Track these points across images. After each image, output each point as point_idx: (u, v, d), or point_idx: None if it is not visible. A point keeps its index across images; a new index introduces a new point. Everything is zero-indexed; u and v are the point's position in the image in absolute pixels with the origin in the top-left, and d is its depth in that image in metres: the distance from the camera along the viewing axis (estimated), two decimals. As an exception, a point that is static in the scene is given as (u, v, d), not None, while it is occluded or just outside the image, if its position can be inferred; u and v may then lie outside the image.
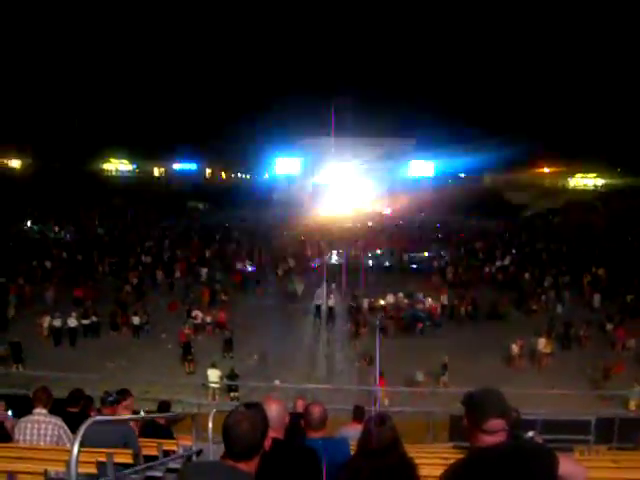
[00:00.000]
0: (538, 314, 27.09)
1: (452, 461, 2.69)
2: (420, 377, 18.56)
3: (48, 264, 33.20)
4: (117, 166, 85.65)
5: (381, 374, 17.19)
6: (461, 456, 2.73)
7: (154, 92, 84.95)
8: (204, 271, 31.50)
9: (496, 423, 2.48)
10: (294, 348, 22.44)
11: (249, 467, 2.24)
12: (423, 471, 3.10)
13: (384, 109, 76.44)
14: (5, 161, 62.43)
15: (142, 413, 8.91)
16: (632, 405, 15.77)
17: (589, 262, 37.46)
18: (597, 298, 29.04)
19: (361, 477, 2.91)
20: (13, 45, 69.09)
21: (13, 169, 62.13)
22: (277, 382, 16.68)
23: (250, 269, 33.94)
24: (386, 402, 16.38)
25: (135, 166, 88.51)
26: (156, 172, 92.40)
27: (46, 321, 22.44)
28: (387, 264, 39.60)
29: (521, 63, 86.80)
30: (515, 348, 21.11)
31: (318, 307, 26.83)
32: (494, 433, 2.49)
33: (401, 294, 27.79)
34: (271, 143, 77.28)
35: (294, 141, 76.80)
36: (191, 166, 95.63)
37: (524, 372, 20.04)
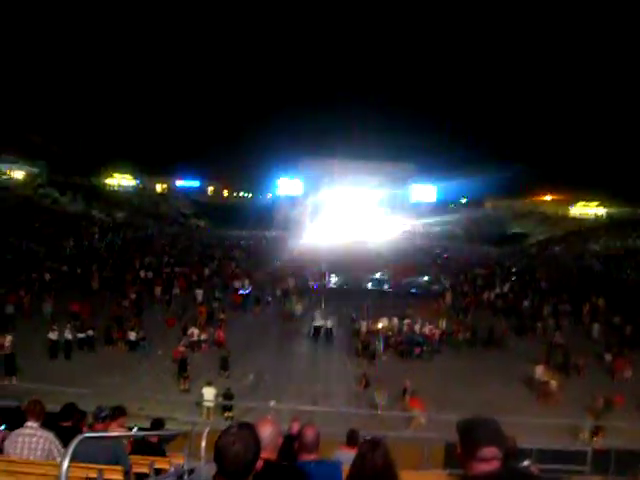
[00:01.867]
0: (537, 342, 27.00)
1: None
2: (379, 399, 18.30)
3: (47, 276, 33.21)
4: (120, 181, 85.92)
5: (413, 394, 17.76)
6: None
7: (159, 108, 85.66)
8: (199, 293, 31.28)
9: (490, 451, 2.46)
10: (291, 369, 22.32)
11: (240, 488, 2.22)
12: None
13: (386, 133, 77.11)
14: (8, 172, 62.55)
15: (135, 429, 8.84)
16: (581, 437, 15.55)
17: (588, 291, 37.46)
18: (596, 327, 28.96)
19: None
20: (18, 58, 69.72)
21: (16, 180, 62.22)
22: (272, 403, 16.56)
23: (247, 290, 33.78)
24: (422, 420, 16.23)
25: (138, 181, 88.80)
26: (159, 188, 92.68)
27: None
28: (386, 288, 39.59)
29: (524, 90, 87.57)
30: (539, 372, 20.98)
31: (317, 328, 26.77)
32: (488, 461, 2.47)
33: (398, 319, 27.73)
34: (273, 163, 77.90)
35: (296, 162, 77.30)
36: (194, 183, 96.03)
37: (520, 400, 19.88)
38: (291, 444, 3.75)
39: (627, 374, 22.46)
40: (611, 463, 10.69)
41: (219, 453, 2.23)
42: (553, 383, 20.44)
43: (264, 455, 2.49)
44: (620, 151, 70.95)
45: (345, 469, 3.42)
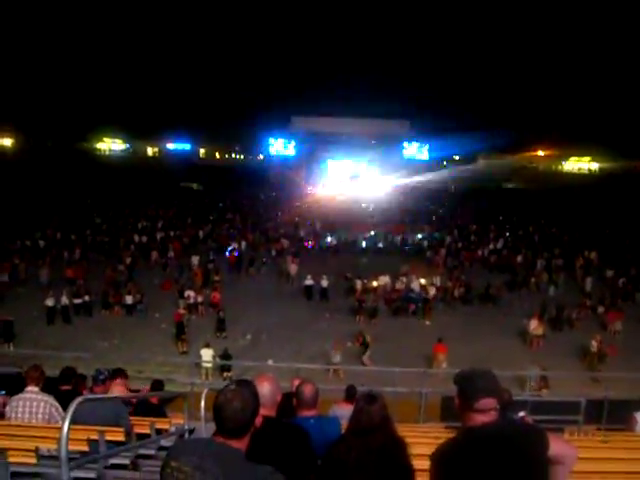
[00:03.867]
0: (531, 297, 27.24)
1: (443, 440, 2.70)
2: (336, 358, 18.57)
3: (42, 243, 33.12)
4: (110, 145, 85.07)
5: (440, 340, 19.04)
6: (452, 435, 2.74)
7: (149, 71, 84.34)
8: (195, 258, 31.13)
9: (487, 402, 2.49)
10: (287, 328, 22.50)
11: (240, 445, 2.23)
12: (414, 450, 3.11)
13: (379, 91, 76.22)
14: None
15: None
16: (528, 387, 15.79)
17: (581, 245, 37.66)
18: (589, 281, 29.19)
19: (351, 455, 2.92)
20: (6, 22, 68.22)
21: (4, 147, 61.52)
22: (270, 361, 16.73)
23: (241, 251, 33.81)
24: (444, 365, 17.92)
25: (128, 145, 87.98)
26: (150, 151, 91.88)
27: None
28: (380, 246, 39.65)
29: (516, 46, 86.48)
30: None
31: (311, 287, 26.90)
32: (485, 412, 2.49)
33: (393, 276, 27.88)
34: (265, 123, 77.01)
35: (288, 122, 76.41)
36: (185, 146, 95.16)
37: (515, 353, 20.14)
38: (290, 401, 3.78)
39: (618, 326, 22.74)
40: (604, 413, 10.90)
41: (218, 410, 2.24)
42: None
43: (263, 412, 2.51)
44: (611, 105, 70.49)
45: (344, 424, 3.46)
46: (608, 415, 10.73)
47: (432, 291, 26.25)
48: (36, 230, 35.95)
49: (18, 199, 43.06)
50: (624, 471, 3.95)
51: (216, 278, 28.08)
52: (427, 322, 24.17)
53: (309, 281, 27.10)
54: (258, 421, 2.35)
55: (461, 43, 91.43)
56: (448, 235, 42.72)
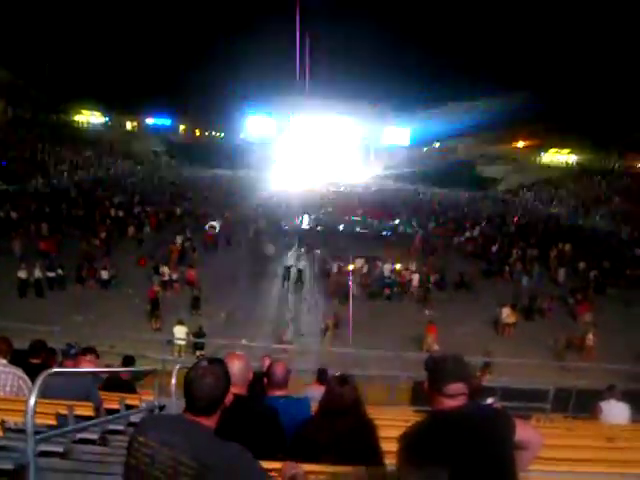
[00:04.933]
0: (504, 286, 27.55)
1: (412, 423, 2.72)
2: (288, 336, 18.80)
3: (14, 215, 32.60)
4: (89, 118, 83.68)
5: (431, 322, 19.71)
6: (421, 418, 2.76)
7: (129, 44, 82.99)
8: (180, 238, 30.49)
9: (456, 387, 2.51)
10: (262, 308, 22.52)
11: (209, 422, 2.23)
12: (383, 432, 3.13)
13: (361, 73, 75.90)
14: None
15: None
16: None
17: (556, 237, 38.14)
18: (562, 272, 29.61)
19: (321, 436, 2.93)
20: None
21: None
22: (244, 341, 16.74)
23: (218, 229, 33.70)
24: (435, 347, 18.18)
25: (108, 119, 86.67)
26: (129, 126, 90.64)
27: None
28: (358, 230, 39.78)
29: (499, 34, 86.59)
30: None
31: (288, 269, 26.90)
32: (454, 397, 2.52)
33: (369, 260, 27.99)
34: (246, 102, 76.38)
35: (269, 101, 75.87)
36: (165, 121, 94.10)
37: (487, 341, 20.38)
38: (260, 381, 3.78)
39: (588, 317, 23.10)
40: (571, 401, 11.11)
41: (188, 386, 2.23)
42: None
43: (234, 390, 2.50)
44: (592, 98, 71.05)
45: (314, 405, 3.47)
46: (575, 404, 10.93)
47: (415, 278, 26.31)
48: (9, 202, 35.37)
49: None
50: (588, 458, 4.03)
51: (193, 256, 27.96)
52: (427, 312, 23.13)
53: (290, 262, 27.08)
54: (228, 399, 2.34)
55: (445, 27, 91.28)
56: (425, 221, 43.02)
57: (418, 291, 25.59)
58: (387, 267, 27.08)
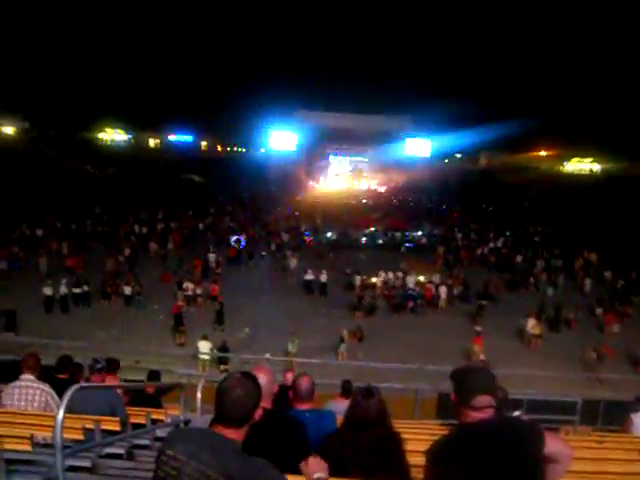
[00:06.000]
0: (529, 297, 27.23)
1: (438, 436, 2.70)
2: (291, 347, 18.78)
3: (39, 232, 33.07)
4: (112, 136, 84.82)
5: (478, 333, 19.64)
6: (447, 432, 2.73)
7: (152, 62, 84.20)
8: (212, 255, 30.19)
9: (483, 399, 2.48)
10: (286, 323, 22.52)
11: (237, 435, 2.23)
12: (409, 445, 3.11)
13: (382, 87, 76.09)
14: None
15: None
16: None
17: (581, 246, 37.67)
18: (588, 282, 29.18)
19: (347, 449, 2.91)
20: (9, 9, 68.01)
21: (7, 135, 61.27)
22: (268, 355, 16.73)
23: (242, 244, 33.85)
24: (480, 357, 18.23)
25: (130, 136, 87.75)
26: (151, 143, 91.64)
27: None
28: (380, 242, 39.68)
29: (521, 44, 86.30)
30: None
31: (310, 282, 26.90)
32: (481, 409, 2.49)
33: (392, 273, 27.88)
34: (267, 117, 76.80)
35: (290, 116, 76.23)
36: (187, 138, 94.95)
37: (514, 353, 20.15)
38: (285, 394, 3.77)
39: (616, 328, 22.74)
40: (599, 413, 10.91)
41: (220, 397, 2.24)
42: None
43: (261, 404, 2.50)
44: (614, 107, 70.35)
45: (339, 418, 3.45)
46: (604, 416, 10.73)
47: (443, 291, 26.15)
48: (36, 219, 35.89)
49: (19, 188, 42.93)
50: (619, 472, 3.95)
51: (217, 271, 28.10)
52: (478, 328, 20.95)
53: (309, 276, 27.10)
54: (258, 414, 2.34)
55: (464, 41, 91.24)
56: (448, 233, 42.78)
57: (446, 304, 25.47)
58: (411, 279, 26.93)
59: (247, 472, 2.11)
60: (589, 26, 78.66)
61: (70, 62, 72.88)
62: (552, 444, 2.44)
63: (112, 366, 6.77)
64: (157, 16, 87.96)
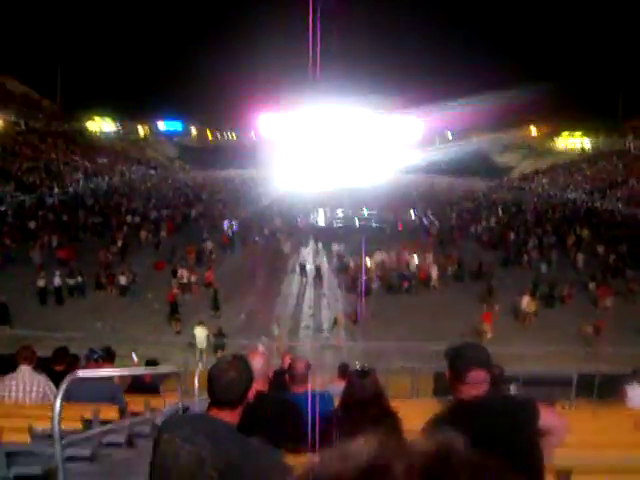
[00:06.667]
0: (523, 274, 27.31)
1: (434, 413, 2.72)
2: (276, 331, 18.81)
3: (32, 225, 32.91)
4: (101, 125, 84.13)
5: (488, 309, 20.41)
6: (443, 408, 2.76)
7: (136, 47, 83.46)
8: (209, 244, 30.05)
9: (477, 375, 2.50)
10: (281, 307, 22.57)
11: (232, 417, 2.24)
12: (406, 423, 3.13)
13: (371, 65, 75.69)
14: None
15: (134, 356, 8.92)
16: None
17: (573, 223, 37.81)
18: (581, 258, 29.29)
19: (343, 429, 2.94)
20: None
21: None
22: (264, 339, 16.82)
23: (234, 229, 33.82)
24: (489, 335, 18.86)
25: (120, 125, 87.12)
26: (141, 131, 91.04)
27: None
28: (374, 224, 39.68)
29: (509, 20, 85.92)
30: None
31: (304, 266, 26.93)
32: (476, 385, 2.50)
33: (386, 254, 27.90)
34: (256, 101, 76.20)
35: (279, 98, 75.81)
36: (176, 126, 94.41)
37: (509, 330, 20.26)
38: (282, 377, 3.79)
39: (609, 302, 22.87)
40: (595, 387, 11.02)
41: (212, 380, 2.25)
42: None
43: (255, 386, 2.51)
44: (603, 79, 70.41)
45: (336, 400, 3.47)
46: (599, 389, 10.84)
47: (434, 270, 26.23)
48: (27, 212, 35.77)
49: (8, 180, 42.70)
50: (614, 442, 4.00)
51: (211, 257, 28.08)
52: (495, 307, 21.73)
53: (305, 259, 27.14)
54: (251, 395, 2.36)
55: (454, 12, 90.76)
56: (441, 212, 42.87)
57: (438, 283, 25.55)
58: (408, 260, 26.96)
59: (243, 453, 2.13)
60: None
61: (56, 51, 72.19)
62: (547, 417, 2.47)
63: (109, 356, 6.77)
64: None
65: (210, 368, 2.31)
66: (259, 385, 2.94)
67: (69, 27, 77.03)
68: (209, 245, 29.79)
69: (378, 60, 78.43)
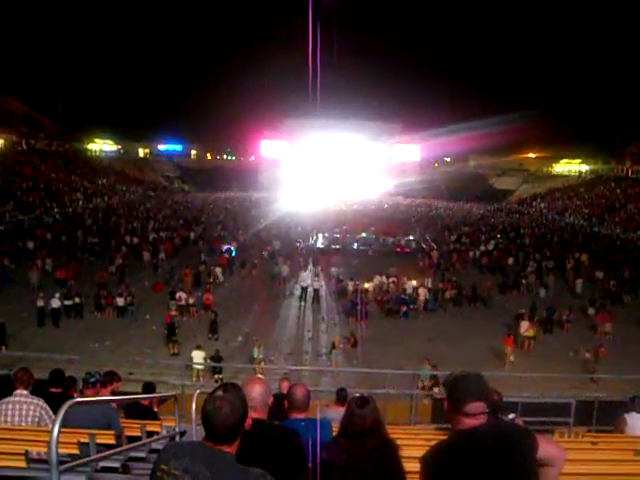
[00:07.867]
0: (521, 298, 27.27)
1: (434, 443, 2.71)
2: (255, 353, 18.51)
3: (30, 245, 32.86)
4: (101, 146, 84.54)
5: (509, 334, 20.30)
6: (443, 438, 2.75)
7: (139, 71, 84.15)
8: (218, 270, 29.70)
9: (476, 406, 2.49)
10: (279, 330, 22.48)
11: (230, 449, 2.23)
12: (405, 452, 3.12)
13: (370, 92, 76.35)
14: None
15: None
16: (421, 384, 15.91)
17: (572, 248, 37.84)
18: (579, 283, 29.28)
19: (342, 458, 2.92)
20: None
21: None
22: (262, 364, 16.74)
23: (233, 252, 33.80)
24: (511, 358, 19.25)
25: (120, 146, 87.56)
26: (141, 153, 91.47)
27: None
28: (372, 247, 39.70)
29: (507, 47, 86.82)
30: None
31: (304, 289, 26.90)
32: (474, 416, 2.50)
33: (385, 278, 27.87)
34: (257, 124, 76.80)
35: (280, 123, 76.42)
36: (177, 147, 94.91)
37: (506, 355, 20.16)
38: (281, 403, 3.77)
39: (608, 328, 22.82)
40: (594, 414, 10.95)
41: (206, 418, 2.22)
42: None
43: (254, 415, 2.51)
44: (601, 106, 71.00)
45: (335, 427, 3.46)
46: (598, 416, 10.78)
47: (422, 292, 26.21)
48: (26, 232, 35.77)
49: (8, 199, 42.77)
50: (613, 473, 3.97)
51: (209, 280, 27.98)
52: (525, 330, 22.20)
53: (305, 283, 27.10)
54: (247, 424, 2.34)
55: (453, 46, 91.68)
56: (439, 236, 42.93)
57: (426, 305, 25.57)
58: (404, 284, 26.96)
59: None
60: (576, 30, 79.29)
61: (58, 73, 72.83)
62: (545, 448, 2.47)
63: (107, 379, 6.72)
64: (148, 25, 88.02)
65: (203, 404, 2.28)
66: (257, 413, 2.93)
67: (72, 51, 77.70)
68: (207, 268, 29.73)
69: (378, 87, 79.21)
